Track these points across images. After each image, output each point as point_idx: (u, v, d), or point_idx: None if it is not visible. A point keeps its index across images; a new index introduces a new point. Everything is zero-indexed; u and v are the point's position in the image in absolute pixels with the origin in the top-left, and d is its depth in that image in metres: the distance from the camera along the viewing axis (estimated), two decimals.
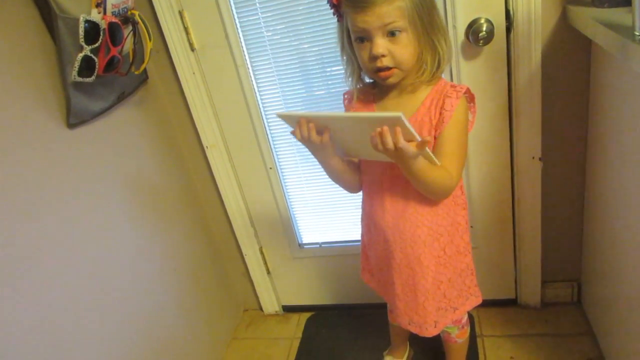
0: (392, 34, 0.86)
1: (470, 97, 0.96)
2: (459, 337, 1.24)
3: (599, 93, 1.18)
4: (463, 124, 0.95)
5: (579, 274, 1.51)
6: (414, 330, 1.11)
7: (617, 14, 0.96)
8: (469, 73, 1.25)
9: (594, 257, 1.38)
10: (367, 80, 1.02)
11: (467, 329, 1.25)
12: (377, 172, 1.03)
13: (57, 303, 1.00)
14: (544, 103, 1.24)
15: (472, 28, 1.17)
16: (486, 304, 1.58)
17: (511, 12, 1.16)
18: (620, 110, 1.07)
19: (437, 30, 0.90)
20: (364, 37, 0.87)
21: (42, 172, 1.00)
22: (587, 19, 1.01)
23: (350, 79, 1.00)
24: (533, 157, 1.31)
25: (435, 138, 0.94)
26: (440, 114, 0.92)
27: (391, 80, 0.91)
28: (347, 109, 1.07)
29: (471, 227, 1.46)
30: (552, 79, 1.22)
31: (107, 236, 1.17)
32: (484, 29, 1.16)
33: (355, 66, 0.97)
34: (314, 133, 0.90)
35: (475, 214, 1.45)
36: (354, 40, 0.90)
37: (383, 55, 0.87)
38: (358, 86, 1.01)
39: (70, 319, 1.03)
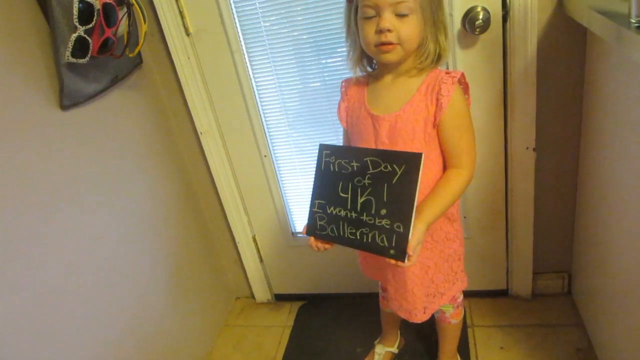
0: (401, 15, 0.88)
1: (464, 87, 0.97)
2: (453, 317, 1.24)
3: (594, 83, 1.18)
4: (462, 109, 0.95)
5: (569, 266, 1.52)
6: (403, 315, 1.13)
7: (613, 2, 0.96)
8: (465, 61, 1.24)
9: (585, 249, 1.39)
10: (366, 67, 1.04)
11: (462, 310, 1.26)
12: None
13: (44, 288, 0.99)
14: (539, 93, 1.25)
15: (469, 16, 1.17)
16: (477, 294, 1.61)
17: (507, 1, 1.16)
18: (615, 100, 1.07)
19: (440, 25, 0.94)
20: (373, 14, 0.89)
21: (34, 153, 0.99)
22: (583, 7, 1.01)
23: (352, 61, 1.02)
24: (527, 148, 1.32)
25: (436, 126, 0.95)
26: (437, 99, 0.93)
27: (390, 57, 0.92)
28: (343, 96, 1.09)
29: (464, 217, 1.48)
30: (548, 68, 1.23)
31: (97, 220, 1.16)
32: (481, 17, 1.15)
33: (358, 48, 0.98)
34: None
35: (468, 204, 1.45)
36: (361, 18, 0.92)
37: (389, 30, 0.88)
38: (358, 70, 1.03)
39: (58, 305, 1.02)
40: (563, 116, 1.29)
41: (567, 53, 1.21)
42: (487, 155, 1.37)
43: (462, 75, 0.95)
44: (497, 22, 1.18)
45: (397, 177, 0.91)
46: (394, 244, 0.93)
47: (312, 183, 1.05)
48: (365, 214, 0.97)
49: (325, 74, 1.37)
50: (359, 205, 0.98)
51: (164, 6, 1.30)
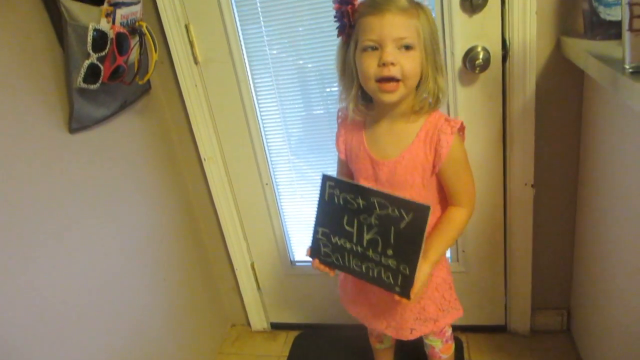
0: (405, 47, 0.88)
1: (461, 130, 1.00)
2: (443, 352, 1.23)
3: (591, 122, 1.21)
4: (462, 158, 0.99)
5: (568, 302, 1.52)
6: (391, 333, 1.13)
7: (609, 47, 0.99)
8: (465, 99, 1.28)
9: (584, 286, 1.39)
10: (363, 108, 1.02)
11: (452, 345, 1.25)
12: None
13: (41, 309, 0.99)
14: (537, 130, 1.27)
15: (469, 55, 1.21)
16: (475, 329, 1.60)
17: (507, 42, 1.19)
18: (611, 140, 1.09)
19: (438, 66, 0.95)
20: (375, 46, 0.89)
21: (40, 174, 1.01)
22: (579, 50, 1.04)
23: (347, 99, 1.00)
24: (525, 184, 1.33)
25: (435, 173, 0.98)
26: (436, 150, 0.95)
27: (391, 98, 0.91)
28: (340, 127, 1.10)
29: (463, 251, 1.48)
30: (546, 107, 1.25)
31: (99, 242, 1.17)
32: (481, 56, 1.19)
33: (356, 86, 0.97)
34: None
35: (467, 238, 1.46)
36: (361, 51, 0.91)
37: (392, 64, 0.87)
38: (354, 107, 1.00)
39: (54, 326, 1.02)
40: (561, 153, 1.31)
41: (565, 93, 1.24)
42: (486, 191, 1.38)
43: (462, 125, 0.97)
44: (497, 61, 1.22)
45: (404, 223, 0.93)
46: (399, 283, 0.97)
47: (316, 209, 1.06)
48: (371, 250, 0.99)
49: (329, 102, 1.40)
50: (365, 241, 1.00)
51: (174, 36, 1.34)
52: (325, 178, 1.02)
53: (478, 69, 1.21)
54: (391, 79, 0.89)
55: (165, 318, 1.43)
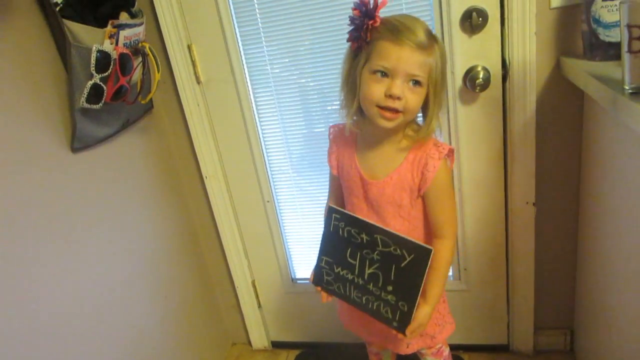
0: (412, 82, 0.90)
1: (450, 154, 1.00)
2: None
3: (590, 142, 1.21)
4: (446, 184, 1.00)
5: (571, 322, 1.50)
6: (389, 346, 1.14)
7: (608, 68, 0.99)
8: (466, 117, 1.28)
9: (587, 305, 1.37)
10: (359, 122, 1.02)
11: None
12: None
13: (42, 325, 0.99)
14: (538, 149, 1.27)
15: (470, 75, 1.21)
16: (477, 348, 1.59)
17: (507, 61, 1.20)
18: (610, 160, 1.09)
19: (442, 104, 0.96)
20: (386, 73, 0.89)
21: (42, 194, 1.01)
22: (579, 71, 1.05)
23: (346, 111, 0.99)
24: (527, 202, 1.33)
25: (420, 196, 1.00)
26: (423, 174, 0.97)
27: (388, 125, 0.92)
28: (332, 144, 1.11)
29: (464, 269, 1.48)
30: (546, 126, 1.26)
31: (100, 260, 1.17)
32: (481, 76, 1.20)
33: (357, 101, 0.96)
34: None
35: (468, 256, 1.46)
36: (370, 71, 0.90)
37: (399, 98, 0.89)
38: (352, 121, 1.00)
39: (55, 342, 1.02)
40: (562, 172, 1.31)
41: (565, 112, 1.24)
42: (487, 209, 1.38)
43: (450, 151, 0.98)
44: (497, 81, 1.22)
45: (405, 262, 0.95)
46: (397, 318, 0.99)
47: (321, 238, 1.08)
48: (372, 284, 1.01)
49: (330, 120, 1.41)
50: (366, 274, 1.02)
51: (177, 56, 1.36)
52: (332, 210, 1.03)
53: (478, 88, 1.21)
54: (394, 111, 0.91)
55: (166, 336, 1.42)
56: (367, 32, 0.89)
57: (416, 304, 0.96)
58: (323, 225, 1.07)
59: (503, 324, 1.55)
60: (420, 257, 0.93)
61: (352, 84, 0.96)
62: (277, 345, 1.79)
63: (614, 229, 1.11)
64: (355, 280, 1.04)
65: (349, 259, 1.03)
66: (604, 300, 1.22)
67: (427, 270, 0.92)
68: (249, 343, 1.80)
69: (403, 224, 1.03)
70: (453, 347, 1.55)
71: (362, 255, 1.01)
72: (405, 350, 1.12)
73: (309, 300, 1.69)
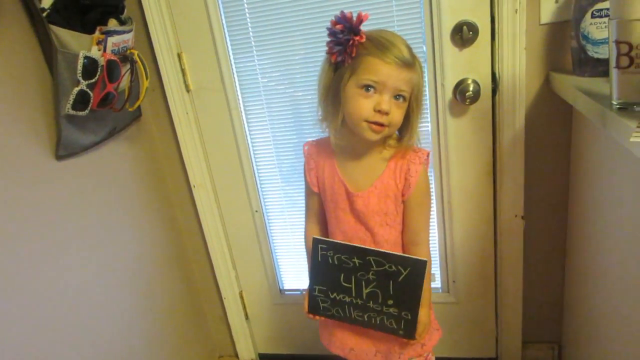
0: (397, 97, 0.92)
1: (426, 159, 1.03)
2: None
3: (579, 156, 1.21)
4: (426, 188, 1.04)
5: (560, 336, 1.50)
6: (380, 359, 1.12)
7: (597, 83, 1.00)
8: (456, 130, 1.28)
9: (575, 319, 1.37)
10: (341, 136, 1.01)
11: None
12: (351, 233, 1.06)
13: (25, 336, 0.96)
14: (527, 163, 1.28)
15: (460, 87, 1.22)
16: None
17: (497, 75, 1.21)
18: (598, 174, 1.10)
19: (419, 116, 0.99)
20: (373, 87, 0.90)
21: (25, 201, 0.99)
22: (568, 86, 1.05)
23: (330, 126, 0.99)
24: (516, 215, 1.33)
25: (403, 201, 1.02)
26: (406, 179, 1.00)
27: (375, 137, 0.94)
28: (309, 160, 1.08)
29: (453, 282, 1.47)
30: (536, 140, 1.26)
31: (85, 270, 1.14)
32: (471, 89, 1.20)
33: (341, 115, 0.96)
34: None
35: (457, 269, 1.45)
36: (357, 87, 0.91)
37: (387, 113, 0.91)
38: (337, 134, 1.00)
39: (38, 356, 0.99)
40: (551, 185, 1.31)
41: (554, 126, 1.25)
42: (476, 222, 1.38)
43: (428, 154, 1.02)
44: (487, 94, 1.23)
45: (402, 277, 0.98)
46: (402, 327, 1.02)
47: (309, 269, 1.07)
48: (371, 302, 1.03)
49: (320, 131, 1.39)
50: (364, 295, 1.03)
51: (166, 64, 1.35)
52: (317, 241, 1.03)
53: (468, 100, 1.22)
54: (381, 125, 0.92)
55: (151, 348, 1.39)
56: (353, 48, 0.90)
57: (418, 311, 1.00)
58: (309, 257, 1.07)
59: (492, 337, 1.54)
60: (416, 269, 0.96)
61: (333, 98, 0.96)
62: (264, 357, 1.77)
63: (603, 243, 1.11)
64: (354, 301, 1.04)
65: (344, 284, 1.03)
66: (592, 315, 1.22)
67: (424, 280, 0.96)
68: (236, 355, 1.77)
69: (391, 232, 1.04)
70: None
71: (357, 278, 1.02)
72: None
73: (297, 312, 1.67)
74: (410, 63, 0.91)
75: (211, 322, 1.74)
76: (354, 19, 0.89)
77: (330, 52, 0.93)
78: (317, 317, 1.12)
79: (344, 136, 1.00)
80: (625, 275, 0.99)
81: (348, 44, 0.90)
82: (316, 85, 1.00)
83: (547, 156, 1.28)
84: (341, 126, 0.98)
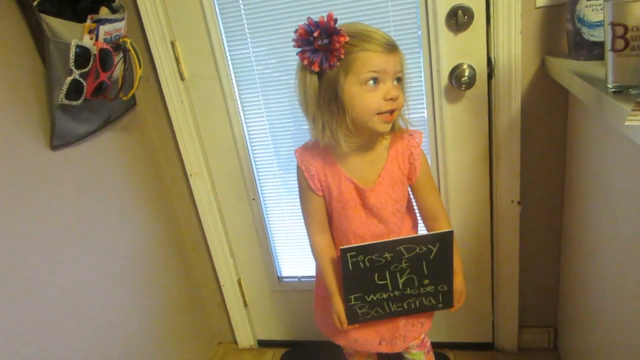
0: (398, 80, 0.94)
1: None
2: None
3: (575, 140, 1.21)
4: (428, 166, 1.07)
5: (555, 320, 1.51)
6: (384, 349, 1.14)
7: (592, 67, 1.00)
8: (452, 115, 1.28)
9: (570, 304, 1.38)
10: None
11: (433, 357, 1.25)
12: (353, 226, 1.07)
13: (22, 328, 0.97)
14: (523, 148, 1.28)
15: (455, 73, 1.21)
16: (462, 346, 1.59)
17: (493, 60, 1.20)
18: (594, 157, 1.10)
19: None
20: (377, 78, 0.90)
21: (20, 191, 0.99)
22: (564, 70, 1.05)
23: (335, 131, 0.94)
24: (512, 201, 1.33)
25: (411, 185, 1.05)
26: (411, 163, 1.02)
27: (388, 127, 0.95)
28: (308, 168, 1.04)
29: None
30: (532, 124, 1.26)
31: (82, 260, 1.15)
32: (466, 74, 1.19)
33: (347, 118, 0.92)
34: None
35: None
36: (359, 84, 0.90)
37: (396, 98, 0.92)
38: (346, 138, 0.95)
39: (37, 348, 1.00)
40: (547, 170, 1.31)
41: (550, 110, 1.24)
42: (473, 208, 1.38)
43: (421, 135, 1.04)
44: (483, 79, 1.22)
45: (433, 254, 1.01)
46: (441, 300, 1.07)
47: (343, 281, 1.05)
48: (409, 288, 1.05)
49: (319, 140, 1.38)
50: (400, 284, 1.05)
51: (160, 52, 1.34)
52: (345, 250, 0.99)
53: (464, 86, 1.21)
54: (392, 112, 0.93)
55: (151, 336, 1.40)
56: (340, 49, 0.88)
57: (453, 280, 1.05)
58: (322, 268, 1.09)
59: (488, 322, 1.55)
60: (445, 242, 1.00)
61: (330, 104, 0.92)
62: (263, 344, 1.78)
63: (598, 227, 1.12)
64: (392, 295, 1.06)
65: (379, 282, 1.04)
66: (587, 299, 1.23)
67: (453, 249, 1.01)
68: (235, 342, 1.79)
69: (402, 218, 1.07)
70: (438, 345, 1.57)
71: (391, 271, 1.03)
72: (402, 345, 1.14)
73: (295, 299, 1.68)
74: (395, 45, 0.92)
75: (210, 309, 1.75)
76: (327, 22, 0.86)
77: (310, 62, 0.89)
78: (357, 325, 1.10)
79: (354, 137, 0.96)
80: (621, 260, 1.00)
81: (332, 48, 0.88)
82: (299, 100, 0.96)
83: (543, 141, 1.28)
84: (348, 130, 0.94)
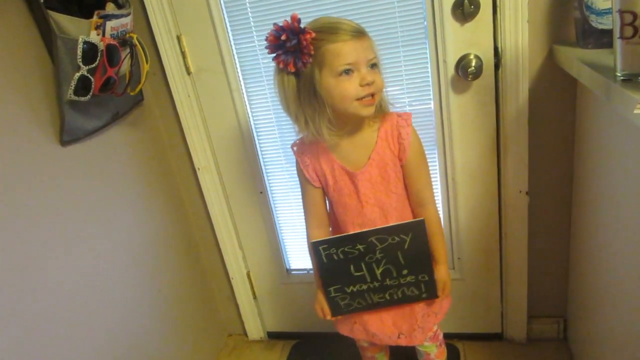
0: (372, 66, 0.95)
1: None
2: (437, 357, 1.24)
3: (583, 130, 1.20)
4: (420, 148, 1.06)
5: (565, 311, 1.51)
6: (404, 342, 1.14)
7: (601, 55, 0.98)
8: (459, 106, 1.27)
9: (580, 294, 1.38)
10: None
11: (445, 350, 1.26)
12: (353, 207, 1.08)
13: (33, 321, 0.99)
14: (531, 138, 1.27)
15: (462, 63, 1.20)
16: (472, 337, 1.59)
17: (500, 50, 1.19)
18: (603, 147, 1.09)
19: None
20: (351, 69, 0.93)
21: (32, 187, 1.00)
22: (572, 59, 1.04)
23: (318, 125, 0.97)
24: (520, 191, 1.33)
25: (402, 166, 1.05)
26: (400, 144, 1.02)
27: (370, 110, 0.97)
28: (303, 158, 1.08)
29: (458, 258, 1.48)
30: (539, 115, 1.25)
31: (92, 253, 1.16)
32: (473, 64, 1.19)
33: (328, 110, 0.95)
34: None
35: (462, 245, 1.46)
36: (335, 75, 0.92)
37: (372, 82, 0.94)
38: (328, 130, 0.98)
39: (48, 337, 1.02)
40: (555, 160, 1.31)
41: (558, 100, 1.23)
42: (481, 198, 1.38)
43: (410, 115, 1.05)
44: (490, 69, 1.21)
45: (407, 243, 1.01)
46: (424, 290, 1.07)
47: (319, 274, 1.08)
48: (388, 279, 1.06)
49: (304, 135, 1.38)
50: (378, 275, 1.05)
51: (166, 47, 1.34)
52: (317, 244, 1.03)
53: (471, 76, 1.20)
54: (371, 96, 0.95)
55: (161, 329, 1.42)
56: (309, 46, 0.91)
57: (433, 269, 1.05)
58: (314, 261, 1.08)
59: (497, 313, 1.55)
60: (417, 231, 1.00)
61: (310, 100, 0.95)
62: (273, 335, 1.80)
63: (608, 217, 1.11)
64: (371, 286, 1.07)
65: (356, 273, 1.05)
66: (597, 289, 1.23)
67: (427, 238, 1.01)
68: (245, 334, 1.80)
69: (397, 199, 1.06)
70: (447, 336, 1.56)
71: (367, 262, 1.04)
72: (421, 337, 1.14)
73: (304, 291, 1.69)
74: (363, 31, 0.94)
75: (220, 302, 1.77)
76: (291, 23, 0.90)
77: (285, 64, 0.93)
78: (341, 317, 1.14)
79: (337, 128, 0.99)
80: (631, 250, 0.99)
81: (301, 46, 0.91)
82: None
83: (551, 131, 1.27)
84: (331, 122, 0.98)
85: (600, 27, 1.03)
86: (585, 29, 1.05)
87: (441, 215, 1.42)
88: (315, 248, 1.04)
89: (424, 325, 1.14)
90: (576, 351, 1.46)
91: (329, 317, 1.13)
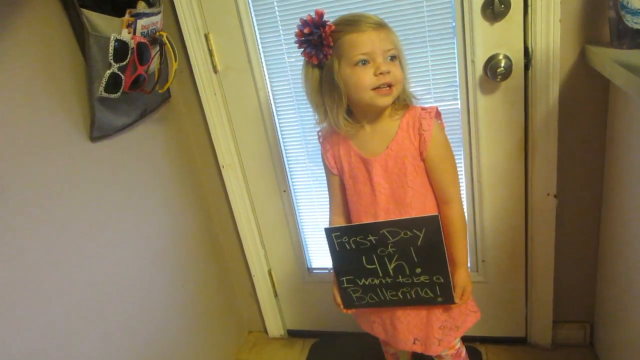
0: (390, 58, 0.96)
1: (437, 115, 1.04)
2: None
3: (616, 132, 1.18)
4: (444, 142, 1.03)
5: (591, 316, 1.48)
6: (418, 349, 1.12)
7: (637, 56, 0.97)
8: (486, 107, 1.26)
9: (608, 299, 1.35)
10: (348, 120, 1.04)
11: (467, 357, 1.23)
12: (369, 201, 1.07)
13: (60, 316, 1.01)
14: (560, 140, 1.24)
15: (491, 63, 1.19)
16: (495, 340, 1.58)
17: (530, 50, 1.17)
18: (636, 151, 1.06)
19: (406, 75, 1.02)
20: (367, 60, 0.94)
21: (62, 181, 1.02)
22: (605, 59, 1.02)
23: (335, 115, 1.01)
24: (548, 194, 1.31)
25: (423, 159, 1.02)
26: (420, 135, 1.00)
27: (387, 100, 0.97)
28: (324, 143, 1.12)
29: (482, 261, 1.46)
30: (570, 117, 1.23)
31: (119, 248, 1.18)
32: (502, 64, 1.17)
33: (345, 101, 0.99)
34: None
35: (487, 248, 1.44)
36: (351, 66, 0.95)
37: (388, 72, 0.94)
38: (345, 120, 1.02)
39: (74, 332, 1.04)
40: (585, 163, 1.28)
41: (590, 102, 1.21)
42: (507, 200, 1.36)
43: (437, 110, 1.03)
44: (519, 70, 1.19)
45: (420, 239, 0.98)
46: (439, 293, 1.02)
47: (332, 263, 1.08)
48: (400, 276, 1.03)
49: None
50: (390, 271, 1.03)
51: (194, 45, 1.35)
52: (329, 231, 1.04)
53: (499, 77, 1.19)
54: (387, 85, 0.95)
55: (183, 323, 1.44)
56: (328, 38, 0.95)
57: (449, 272, 1.00)
58: (329, 251, 1.08)
59: (521, 317, 1.53)
60: (431, 226, 0.96)
61: (330, 90, 0.99)
62: (293, 333, 1.80)
63: (638, 225, 1.08)
64: (383, 281, 1.05)
65: (368, 266, 1.04)
66: (625, 294, 1.20)
67: (443, 235, 0.97)
68: (265, 331, 1.81)
69: (414, 195, 1.03)
70: (470, 339, 1.55)
71: (379, 255, 1.02)
72: (437, 349, 1.11)
73: (325, 290, 1.68)
74: (383, 23, 0.96)
75: (241, 299, 1.78)
76: (315, 16, 0.94)
77: (309, 57, 0.98)
78: (354, 310, 1.14)
79: (356, 119, 1.03)
80: None
81: (322, 39, 0.94)
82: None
83: (582, 133, 1.25)
84: (350, 113, 1.02)
85: (635, 26, 1.00)
86: (619, 29, 1.03)
87: (465, 217, 1.41)
88: (327, 236, 1.04)
89: (443, 338, 1.10)
90: (603, 357, 1.43)
91: (341, 308, 1.14)
